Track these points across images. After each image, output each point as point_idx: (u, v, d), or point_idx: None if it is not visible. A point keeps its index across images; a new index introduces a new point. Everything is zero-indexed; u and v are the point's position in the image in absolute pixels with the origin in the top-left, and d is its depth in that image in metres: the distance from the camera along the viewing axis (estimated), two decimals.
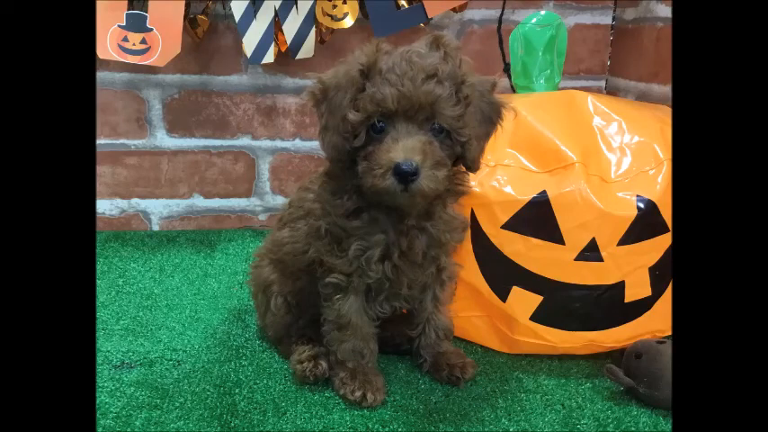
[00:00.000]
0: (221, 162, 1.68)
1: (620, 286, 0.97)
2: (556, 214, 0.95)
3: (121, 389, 0.93)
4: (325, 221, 0.88)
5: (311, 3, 1.45)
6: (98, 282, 1.33)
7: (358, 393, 0.89)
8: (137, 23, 1.40)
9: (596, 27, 1.70)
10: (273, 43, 1.47)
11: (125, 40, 1.40)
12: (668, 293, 0.99)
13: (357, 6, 1.48)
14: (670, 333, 1.01)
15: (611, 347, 1.02)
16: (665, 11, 1.48)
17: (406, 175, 0.75)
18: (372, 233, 0.86)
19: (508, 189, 0.98)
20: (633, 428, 0.86)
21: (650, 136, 1.00)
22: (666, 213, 0.95)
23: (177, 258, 1.48)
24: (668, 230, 0.96)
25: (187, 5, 1.45)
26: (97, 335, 1.09)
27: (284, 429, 0.84)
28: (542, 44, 1.19)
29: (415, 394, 0.94)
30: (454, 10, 1.56)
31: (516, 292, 1.00)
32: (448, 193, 0.87)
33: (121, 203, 1.68)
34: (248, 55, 1.47)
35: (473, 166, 0.85)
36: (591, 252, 0.95)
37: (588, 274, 0.97)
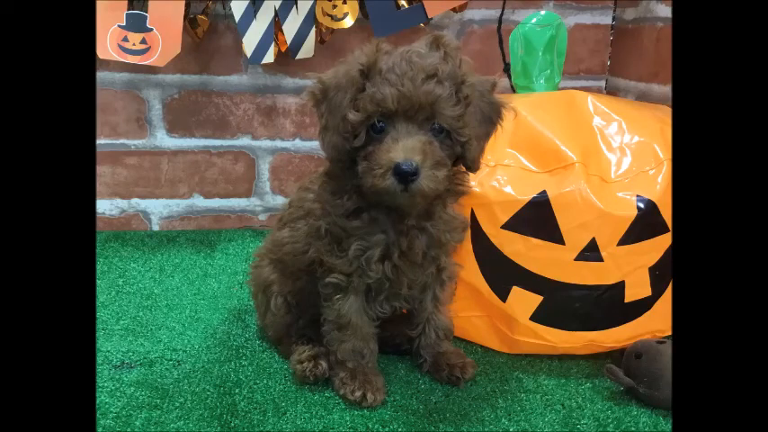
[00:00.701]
0: (221, 162, 1.68)
1: (620, 286, 0.97)
2: (556, 214, 0.95)
3: (121, 389, 0.93)
4: (325, 221, 0.88)
5: (311, 3, 1.45)
6: (98, 282, 1.33)
7: (358, 393, 0.89)
8: (137, 23, 1.40)
9: (596, 27, 1.70)
10: (273, 43, 1.47)
11: (125, 40, 1.40)
12: (668, 293, 0.99)
13: (357, 6, 1.48)
14: (670, 333, 1.01)
15: (611, 347, 1.02)
16: (665, 11, 1.48)
17: (406, 175, 0.75)
18: (372, 233, 0.86)
19: (508, 189, 0.98)
20: (633, 428, 0.86)
21: (650, 136, 1.00)
22: (666, 213, 0.95)
23: (177, 258, 1.48)
24: (668, 230, 0.96)
25: (187, 5, 1.45)
26: (97, 335, 1.09)
27: (284, 429, 0.84)
28: (542, 44, 1.19)
29: (415, 394, 0.94)
30: (454, 10, 1.56)
31: (516, 292, 1.00)
32: (448, 193, 0.87)
33: (121, 203, 1.68)
34: (248, 55, 1.47)
35: (473, 166, 0.85)
36: (591, 252, 0.95)
37: (588, 274, 0.97)
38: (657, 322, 1.01)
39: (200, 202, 1.70)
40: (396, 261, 0.87)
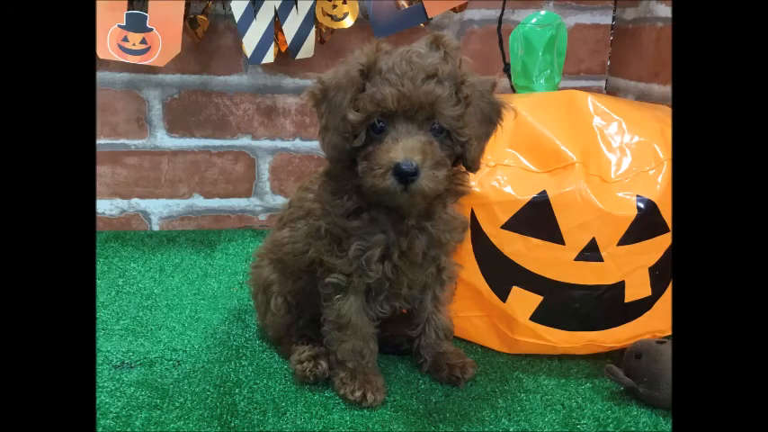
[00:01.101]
0: (221, 162, 1.68)
1: (620, 286, 0.97)
2: (556, 214, 0.95)
3: (121, 389, 0.93)
4: (325, 221, 0.88)
5: (311, 3, 1.45)
6: (98, 282, 1.33)
7: (358, 393, 0.89)
8: (137, 23, 1.40)
9: (596, 27, 1.70)
10: (273, 43, 1.47)
11: (125, 40, 1.40)
12: (668, 293, 0.99)
13: (357, 6, 1.48)
14: (670, 333, 1.01)
15: (611, 347, 1.02)
16: (665, 11, 1.48)
17: (406, 175, 0.75)
18: (372, 233, 0.86)
19: (508, 189, 0.98)
20: (633, 428, 0.86)
21: (650, 136, 1.00)
22: (666, 213, 0.95)
23: (177, 258, 1.48)
24: (668, 230, 0.96)
25: (187, 5, 1.45)
26: (97, 335, 1.09)
27: (284, 429, 0.84)
28: (542, 44, 1.19)
29: (415, 394, 0.94)
30: (454, 10, 1.56)
31: (516, 292, 1.00)
32: (448, 193, 0.87)
33: (121, 203, 1.68)
34: (248, 55, 1.47)
35: (473, 166, 0.85)
36: (591, 252, 0.95)
37: (588, 274, 0.97)
38: (657, 322, 1.01)
39: (200, 202, 1.70)
40: (396, 261, 0.87)
